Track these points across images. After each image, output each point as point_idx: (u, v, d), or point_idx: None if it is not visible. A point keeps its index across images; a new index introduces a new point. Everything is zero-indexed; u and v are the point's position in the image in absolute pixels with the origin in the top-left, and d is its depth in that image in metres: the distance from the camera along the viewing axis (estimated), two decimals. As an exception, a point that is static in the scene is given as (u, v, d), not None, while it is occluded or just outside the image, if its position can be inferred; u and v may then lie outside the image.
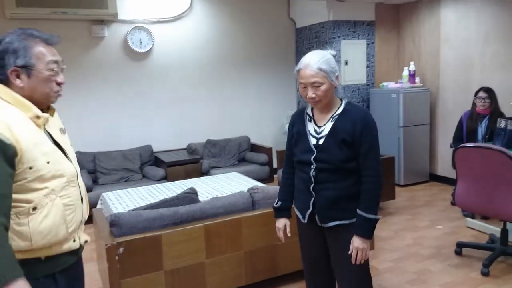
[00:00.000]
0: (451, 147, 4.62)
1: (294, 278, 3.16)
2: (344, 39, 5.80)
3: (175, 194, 3.04)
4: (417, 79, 5.84)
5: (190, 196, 2.96)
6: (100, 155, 5.14)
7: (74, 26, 5.12)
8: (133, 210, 2.81)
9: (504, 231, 3.37)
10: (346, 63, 5.85)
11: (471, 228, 4.15)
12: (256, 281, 2.95)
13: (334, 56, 1.91)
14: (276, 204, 2.17)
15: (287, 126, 6.10)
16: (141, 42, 5.42)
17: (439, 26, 5.67)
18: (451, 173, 5.53)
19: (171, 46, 5.67)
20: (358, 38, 5.92)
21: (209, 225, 2.72)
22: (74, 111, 5.21)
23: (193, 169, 5.23)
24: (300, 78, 1.89)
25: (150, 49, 5.50)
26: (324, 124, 1.95)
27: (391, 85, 5.83)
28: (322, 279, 2.13)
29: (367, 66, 6.05)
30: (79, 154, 5.08)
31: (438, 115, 5.83)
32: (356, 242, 1.89)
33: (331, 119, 1.93)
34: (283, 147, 6.04)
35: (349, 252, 1.91)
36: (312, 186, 1.94)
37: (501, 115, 4.16)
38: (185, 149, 5.84)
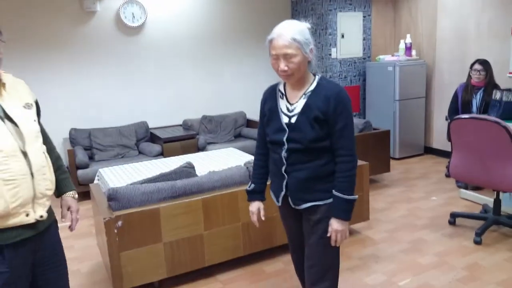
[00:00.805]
0: (446, 119, 4.64)
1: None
2: (340, 11, 5.72)
3: (172, 169, 3.05)
4: (414, 52, 5.81)
5: (187, 170, 2.97)
6: (96, 132, 5.12)
7: (66, 0, 5.00)
8: (131, 184, 2.82)
9: (497, 201, 3.43)
10: (343, 36, 5.79)
11: (465, 199, 4.22)
12: (253, 252, 3.01)
13: (310, 29, 1.80)
14: (249, 186, 2.06)
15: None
16: (133, 16, 5.32)
17: (436, -3, 5.60)
18: (445, 146, 5.58)
19: (165, 20, 5.57)
20: (355, 10, 5.84)
21: (207, 198, 2.74)
22: (67, 87, 5.16)
23: (190, 145, 5.23)
24: (272, 48, 1.76)
25: (143, 23, 5.41)
26: (297, 101, 1.82)
27: (388, 58, 5.80)
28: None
29: (364, 39, 5.99)
30: (74, 131, 5.06)
31: (434, 88, 5.83)
32: (335, 225, 1.81)
33: (303, 95, 1.81)
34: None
35: (328, 235, 1.83)
36: (284, 168, 1.84)
37: (496, 87, 4.16)
38: (180, 125, 5.82)
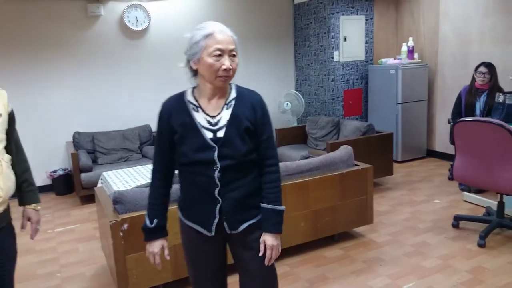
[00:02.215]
0: (449, 122, 4.64)
1: (296, 251, 3.23)
2: (342, 14, 5.74)
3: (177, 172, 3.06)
4: (416, 55, 5.82)
5: (192, 173, 2.98)
6: (99, 135, 5.14)
7: (69, 4, 5.03)
8: (136, 187, 2.83)
9: (501, 204, 3.43)
10: (345, 40, 5.81)
11: (468, 201, 4.22)
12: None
13: None
14: (150, 223, 1.71)
15: (285, 104, 6.14)
16: (137, 20, 5.35)
17: (438, 0, 5.62)
18: (448, 149, 5.59)
19: (168, 24, 5.60)
20: (357, 14, 5.86)
21: (211, 201, 2.75)
22: (71, 91, 5.18)
23: (192, 148, 5.24)
24: (216, 43, 1.53)
25: (147, 27, 5.43)
26: (219, 113, 1.61)
27: (390, 61, 5.81)
28: None
29: (366, 43, 6.01)
30: (77, 134, 5.08)
31: (436, 91, 5.84)
32: (270, 240, 1.66)
33: (226, 106, 1.62)
34: (281, 125, 6.06)
35: (261, 254, 1.68)
36: (217, 190, 1.60)
37: (500, 90, 4.16)
38: (183, 128, 5.83)
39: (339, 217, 3.28)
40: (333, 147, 4.11)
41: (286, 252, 3.17)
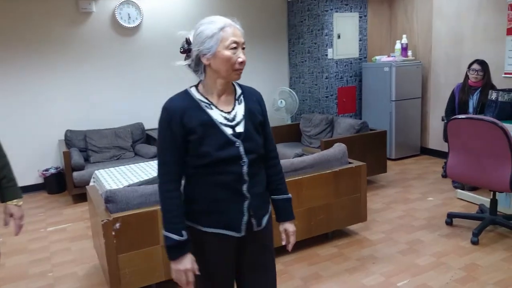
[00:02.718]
0: (442, 120, 4.65)
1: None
2: (336, 12, 5.72)
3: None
4: (410, 53, 5.83)
5: (185, 171, 2.96)
6: (91, 133, 5.09)
7: (61, 1, 4.97)
8: (128, 186, 2.81)
9: (494, 201, 3.44)
10: (339, 37, 5.80)
11: (461, 199, 4.23)
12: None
13: None
14: (180, 236, 1.50)
15: (279, 102, 6.12)
16: (129, 17, 5.30)
17: (431, -2, 5.63)
18: (442, 147, 5.61)
19: (160, 21, 5.55)
20: (351, 11, 5.85)
21: (204, 200, 2.73)
22: (62, 88, 5.12)
23: (186, 145, 5.21)
24: (231, 36, 1.51)
25: (139, 24, 5.38)
26: (233, 108, 1.60)
27: (384, 58, 5.81)
28: None
29: (360, 40, 6.00)
30: (69, 132, 5.03)
31: (430, 88, 5.85)
32: (291, 227, 1.75)
33: (237, 101, 1.62)
34: (275, 122, 6.04)
35: (284, 243, 1.76)
36: (245, 186, 1.56)
37: (493, 88, 4.18)
38: (177, 126, 5.79)
39: (333, 215, 3.28)
40: (327, 144, 4.10)
41: (280, 250, 3.16)
